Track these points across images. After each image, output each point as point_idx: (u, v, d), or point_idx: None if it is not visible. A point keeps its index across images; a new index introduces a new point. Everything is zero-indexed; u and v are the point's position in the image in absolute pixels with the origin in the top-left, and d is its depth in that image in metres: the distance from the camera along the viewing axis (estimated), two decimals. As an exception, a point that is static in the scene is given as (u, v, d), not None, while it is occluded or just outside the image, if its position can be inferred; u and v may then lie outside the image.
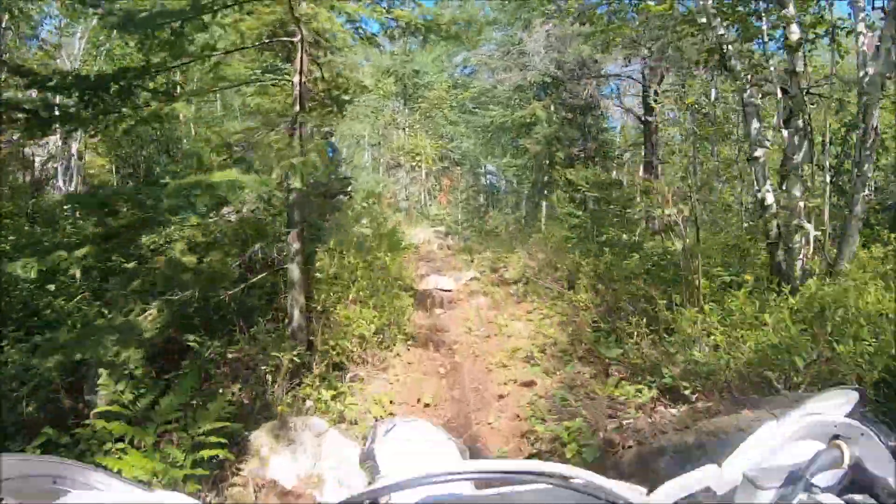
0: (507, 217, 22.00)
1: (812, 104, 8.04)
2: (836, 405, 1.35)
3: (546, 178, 22.10)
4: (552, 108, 22.17)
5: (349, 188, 13.33)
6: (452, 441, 1.72)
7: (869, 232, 9.00)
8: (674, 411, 6.02)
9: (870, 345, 5.22)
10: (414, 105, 23.94)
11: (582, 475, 1.15)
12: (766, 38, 8.32)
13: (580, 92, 21.31)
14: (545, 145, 21.36)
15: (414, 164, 20.93)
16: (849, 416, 1.32)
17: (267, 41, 7.73)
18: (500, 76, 22.03)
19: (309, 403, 6.72)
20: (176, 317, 6.51)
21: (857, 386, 1.66)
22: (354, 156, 31.19)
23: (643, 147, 21.01)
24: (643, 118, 20.07)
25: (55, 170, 14.20)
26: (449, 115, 27.70)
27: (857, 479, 1.21)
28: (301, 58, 7.37)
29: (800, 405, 1.36)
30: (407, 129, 23.97)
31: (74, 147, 14.12)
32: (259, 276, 8.02)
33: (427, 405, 7.37)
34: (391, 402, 7.21)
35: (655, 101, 16.35)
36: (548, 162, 21.74)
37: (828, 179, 7.69)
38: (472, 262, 14.12)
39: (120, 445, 4.85)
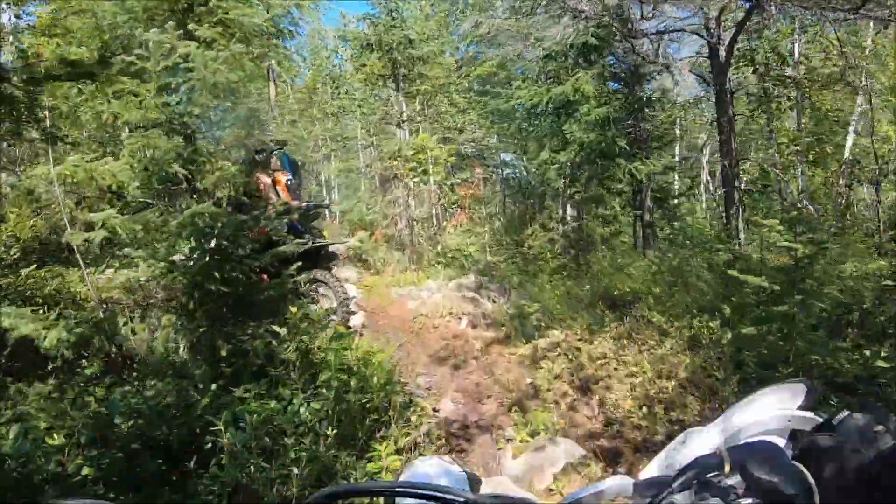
0: (555, 236, 15.83)
1: None
2: (785, 399, 1.39)
3: (600, 178, 17.08)
4: (601, 79, 17.18)
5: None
6: (465, 472, 1.67)
7: None
8: None
9: None
10: (411, 89, 17.58)
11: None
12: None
13: (628, 55, 17.11)
14: (599, 131, 16.10)
15: (417, 173, 14.74)
16: (801, 408, 1.37)
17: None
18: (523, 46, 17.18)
19: None
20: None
21: (803, 379, 1.44)
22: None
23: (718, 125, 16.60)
24: (714, 85, 15.94)
25: None
26: (457, 100, 21.95)
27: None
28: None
29: (740, 406, 1.42)
30: (405, 125, 17.55)
31: None
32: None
33: None
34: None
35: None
36: (600, 155, 16.64)
37: None
38: (540, 372, 8.15)
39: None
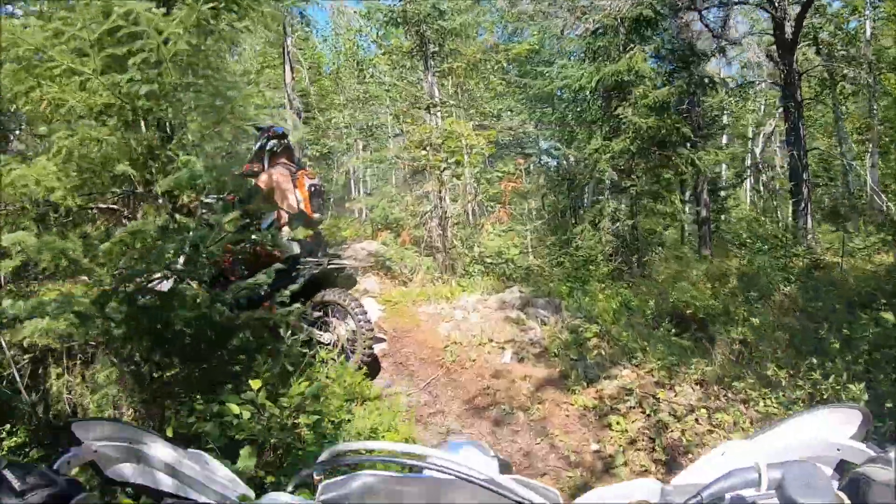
0: (606, 235, 14.06)
1: None
2: (837, 424, 1.28)
3: (658, 169, 15.41)
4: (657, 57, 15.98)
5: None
6: (497, 458, 1.76)
7: None
8: None
9: None
10: (441, 67, 15.63)
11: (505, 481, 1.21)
12: None
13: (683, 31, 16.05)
14: (657, 116, 14.38)
15: (449, 165, 12.68)
16: (854, 437, 1.26)
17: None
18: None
19: None
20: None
21: (858, 405, 1.27)
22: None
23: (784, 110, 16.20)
24: (782, 65, 15.23)
25: None
26: (494, 82, 20.12)
27: None
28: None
29: (787, 423, 1.31)
30: (435, 110, 15.56)
31: None
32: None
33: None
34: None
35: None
36: (659, 144, 14.87)
37: None
38: (610, 434, 6.44)
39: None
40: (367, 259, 12.51)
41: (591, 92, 16.15)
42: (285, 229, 6.98)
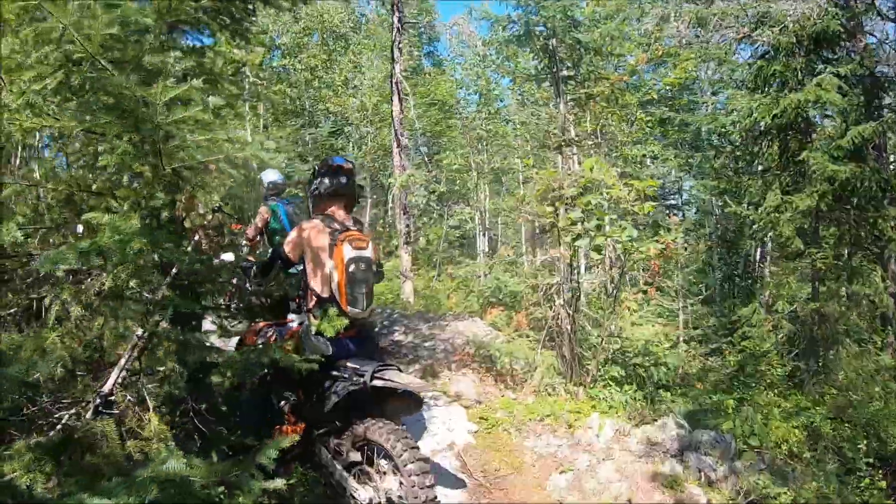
0: (783, 321, 11.24)
1: None
2: None
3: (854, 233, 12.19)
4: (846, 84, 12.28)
5: None
6: None
7: None
8: None
9: None
10: (577, 95, 12.85)
11: None
12: None
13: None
14: (854, 161, 11.49)
15: (586, 225, 9.54)
16: None
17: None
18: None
19: None
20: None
21: None
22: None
23: None
24: None
25: None
26: (641, 118, 17.39)
27: None
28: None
29: None
30: (569, 150, 12.70)
31: None
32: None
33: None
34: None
35: None
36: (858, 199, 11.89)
37: None
38: None
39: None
40: (464, 348, 9.72)
41: (763, 131, 13.34)
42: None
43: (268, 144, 3.84)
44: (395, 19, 15.10)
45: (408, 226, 14.94)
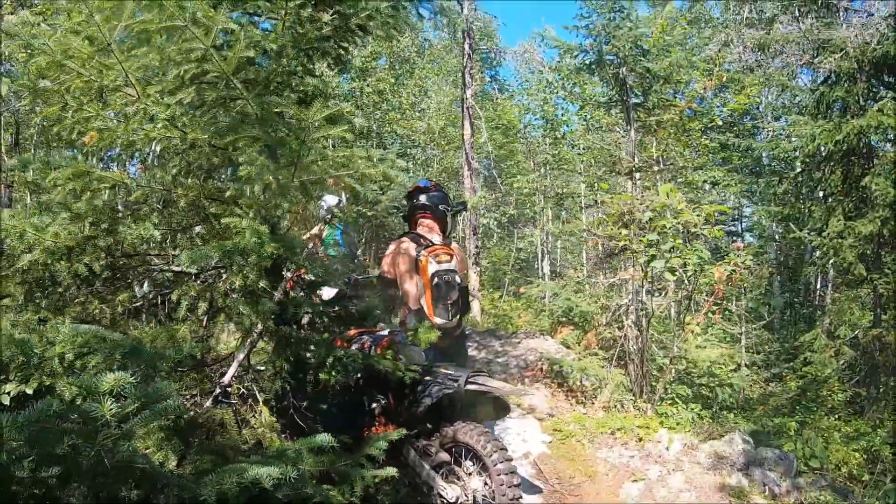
0: (845, 348, 11.33)
1: None
2: None
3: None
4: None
5: None
6: None
7: None
8: None
9: None
10: (647, 121, 13.04)
11: None
12: None
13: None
14: None
15: (657, 248, 9.70)
16: None
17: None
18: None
19: None
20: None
21: None
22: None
23: None
24: None
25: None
26: (703, 144, 17.53)
27: None
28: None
29: None
30: (638, 176, 12.94)
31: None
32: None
33: None
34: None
35: None
36: None
37: None
38: None
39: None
40: (536, 364, 10.01)
41: (825, 157, 13.36)
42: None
43: (399, 163, 4.19)
44: (466, 45, 15.46)
45: (477, 247, 15.23)
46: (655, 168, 14.92)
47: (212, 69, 3.81)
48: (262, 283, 4.01)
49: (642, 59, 12.34)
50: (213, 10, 3.71)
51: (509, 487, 4.58)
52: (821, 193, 14.75)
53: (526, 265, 26.53)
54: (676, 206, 9.08)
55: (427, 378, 5.02)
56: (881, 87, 12.63)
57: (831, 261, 13.52)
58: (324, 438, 3.41)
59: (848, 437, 8.56)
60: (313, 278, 4.69)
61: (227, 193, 4.19)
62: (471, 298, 14.52)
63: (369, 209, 15.07)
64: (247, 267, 3.81)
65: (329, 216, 9.00)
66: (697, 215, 9.11)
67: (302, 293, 4.67)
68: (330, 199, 9.09)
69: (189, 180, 4.29)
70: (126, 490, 2.57)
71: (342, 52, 5.02)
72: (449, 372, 5.01)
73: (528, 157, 23.35)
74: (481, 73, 28.92)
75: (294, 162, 3.87)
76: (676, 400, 8.81)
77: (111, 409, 2.40)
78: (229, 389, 4.32)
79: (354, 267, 5.73)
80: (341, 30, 4.70)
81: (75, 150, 6.70)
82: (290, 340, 4.31)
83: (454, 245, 5.70)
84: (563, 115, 22.63)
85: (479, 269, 15.20)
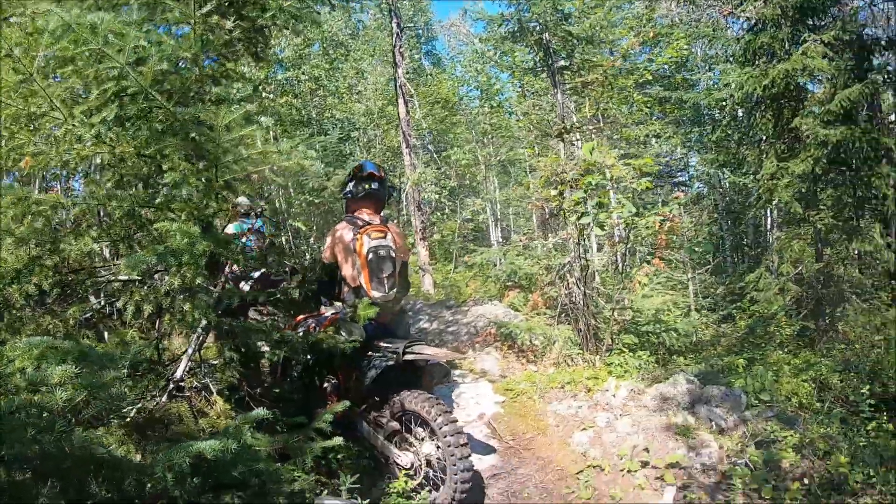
0: (789, 284, 11.63)
1: None
2: None
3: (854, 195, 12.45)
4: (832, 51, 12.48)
5: None
6: None
7: None
8: None
9: None
10: (573, 83, 13.33)
11: None
12: None
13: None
14: (845, 125, 11.64)
15: (590, 205, 9.96)
16: None
17: None
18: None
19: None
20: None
21: None
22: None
23: None
24: None
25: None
26: (638, 99, 17.76)
27: None
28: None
29: None
30: (569, 137, 13.18)
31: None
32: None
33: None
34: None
35: None
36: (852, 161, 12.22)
37: None
38: None
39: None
40: (486, 329, 10.28)
41: (757, 102, 13.60)
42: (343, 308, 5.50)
43: (309, 153, 4.39)
44: (394, 24, 15.53)
45: (423, 222, 15.39)
46: (591, 127, 15.19)
47: (130, 85, 3.99)
48: (198, 281, 4.24)
49: (563, 23, 12.54)
50: (125, 28, 3.90)
51: (457, 448, 4.86)
52: (756, 138, 15.03)
53: (480, 235, 26.69)
54: (606, 163, 9.34)
55: (370, 353, 5.29)
56: (806, 31, 12.87)
57: (770, 202, 13.82)
58: (259, 412, 3.64)
59: (798, 369, 8.70)
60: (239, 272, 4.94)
61: (157, 200, 4.38)
62: (421, 274, 14.80)
63: (315, 196, 15.21)
64: (184, 267, 4.03)
65: (243, 213, 9.04)
66: (628, 171, 9.40)
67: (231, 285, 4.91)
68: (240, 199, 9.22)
69: (122, 192, 4.46)
70: (95, 484, 2.77)
71: (258, 50, 5.22)
72: (388, 345, 5.28)
73: (469, 128, 23.46)
74: (413, 50, 28.98)
75: (215, 164, 4.09)
76: (624, 350, 9.06)
77: (62, 397, 2.64)
78: (182, 384, 4.56)
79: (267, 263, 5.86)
80: (249, 31, 4.89)
81: (14, 176, 6.82)
82: (233, 331, 4.54)
83: (390, 224, 5.92)
84: (496, 84, 22.81)
85: (427, 243, 15.36)
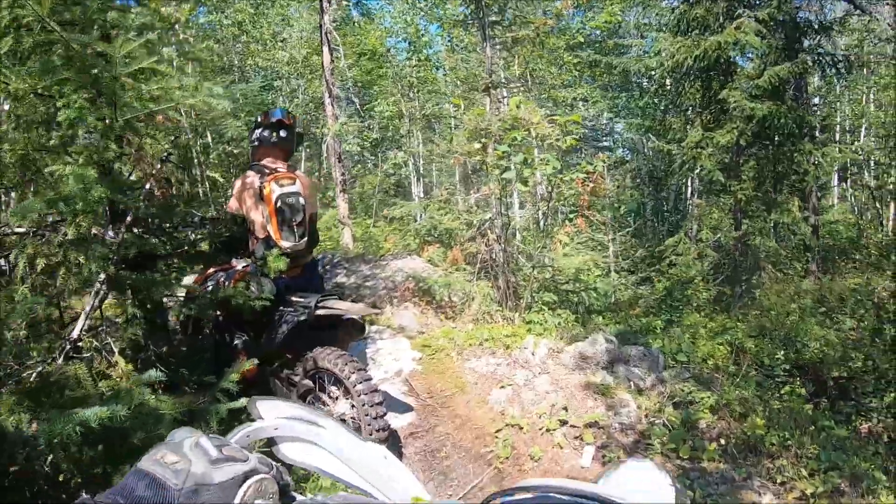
0: (708, 250, 11.81)
1: None
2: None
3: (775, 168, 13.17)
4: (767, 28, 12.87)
5: None
6: (674, 487, 1.51)
7: None
8: None
9: None
10: (503, 38, 13.13)
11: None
12: None
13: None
14: (772, 100, 12.18)
15: (514, 162, 9.89)
16: None
17: None
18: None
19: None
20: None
21: None
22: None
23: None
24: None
25: None
26: (568, 61, 17.68)
27: None
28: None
29: None
30: (497, 92, 13.03)
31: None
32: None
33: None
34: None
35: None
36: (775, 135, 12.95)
37: None
38: None
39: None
40: (404, 284, 10.07)
41: (687, 72, 13.71)
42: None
43: (215, 90, 4.06)
44: (322, -32, 15.09)
45: (343, 174, 15.07)
46: (518, 85, 15.06)
47: (27, 14, 3.64)
48: (94, 231, 3.95)
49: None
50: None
51: (372, 406, 4.71)
52: (683, 107, 15.21)
53: (402, 191, 26.44)
54: (532, 120, 9.20)
55: (282, 308, 5.08)
56: (741, 7, 13.03)
57: (693, 170, 14.04)
58: (152, 374, 3.43)
59: (714, 332, 8.97)
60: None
61: (51, 142, 4.03)
62: (340, 227, 14.50)
63: (234, 146, 14.74)
64: (79, 215, 3.71)
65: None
66: (553, 128, 9.29)
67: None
68: None
69: (17, 135, 4.10)
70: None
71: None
72: (300, 299, 5.07)
73: (395, 80, 23.09)
74: (341, -2, 28.44)
75: (113, 100, 3.76)
76: (543, 307, 9.00)
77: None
78: (80, 344, 4.22)
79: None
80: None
81: None
82: (134, 285, 4.23)
83: (298, 171, 5.64)
84: (425, 36, 22.47)
85: (347, 196, 15.05)
